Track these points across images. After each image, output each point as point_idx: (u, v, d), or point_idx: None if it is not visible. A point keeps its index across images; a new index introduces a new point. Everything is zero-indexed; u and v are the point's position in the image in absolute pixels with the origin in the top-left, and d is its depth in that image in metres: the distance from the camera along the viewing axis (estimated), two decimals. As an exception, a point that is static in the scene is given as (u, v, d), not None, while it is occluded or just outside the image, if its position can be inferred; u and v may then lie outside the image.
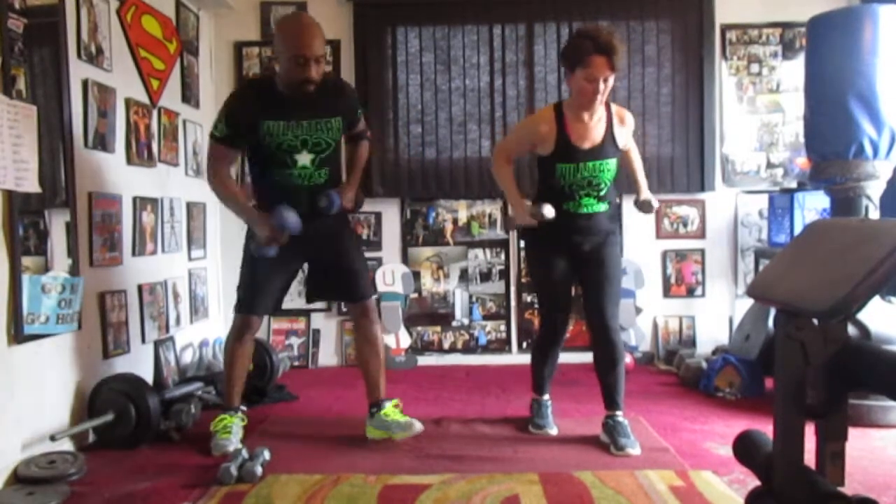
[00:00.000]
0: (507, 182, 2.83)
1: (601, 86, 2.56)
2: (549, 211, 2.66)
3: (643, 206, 2.87)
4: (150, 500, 2.26)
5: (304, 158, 2.66)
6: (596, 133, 2.71)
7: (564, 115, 2.70)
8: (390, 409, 2.83)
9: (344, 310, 4.27)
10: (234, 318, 2.85)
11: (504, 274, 4.41)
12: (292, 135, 2.62)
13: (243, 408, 2.93)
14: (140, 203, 3.35)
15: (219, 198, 2.74)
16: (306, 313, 4.34)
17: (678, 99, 4.30)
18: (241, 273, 2.84)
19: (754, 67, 4.34)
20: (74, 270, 2.75)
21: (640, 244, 4.33)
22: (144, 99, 3.43)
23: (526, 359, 3.08)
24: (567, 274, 2.83)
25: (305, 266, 2.96)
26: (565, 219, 2.72)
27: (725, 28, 4.33)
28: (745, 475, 2.26)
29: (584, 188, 2.72)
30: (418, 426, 2.76)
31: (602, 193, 2.76)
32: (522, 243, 3.03)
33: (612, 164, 2.75)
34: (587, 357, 4.28)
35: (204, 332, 4.04)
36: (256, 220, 2.63)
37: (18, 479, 2.36)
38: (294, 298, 3.03)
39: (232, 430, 2.75)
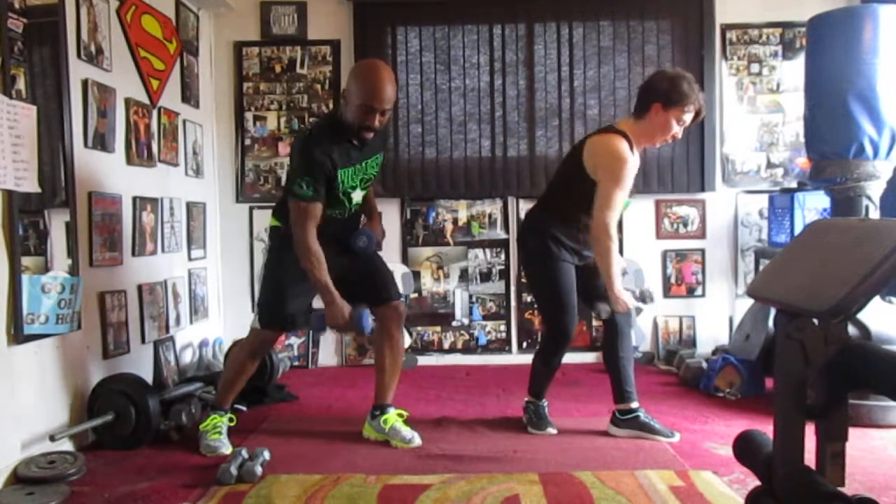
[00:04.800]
0: (614, 264, 2.66)
1: (680, 132, 2.75)
2: (652, 294, 3.00)
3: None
4: (150, 500, 2.26)
5: (358, 196, 2.74)
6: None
7: (633, 147, 2.76)
8: (392, 417, 2.82)
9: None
10: (253, 332, 2.80)
11: (504, 274, 4.41)
12: (356, 178, 2.68)
13: (241, 407, 2.92)
14: (140, 203, 3.35)
15: (305, 262, 2.57)
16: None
17: (678, 99, 4.30)
18: (263, 288, 2.81)
19: (754, 67, 4.34)
20: (74, 270, 2.75)
21: (640, 244, 4.33)
22: (144, 99, 3.43)
23: (526, 358, 3.08)
24: (575, 284, 2.87)
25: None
26: (587, 237, 2.80)
27: (725, 28, 4.33)
28: (745, 475, 2.27)
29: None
30: (418, 441, 2.76)
31: None
32: (526, 252, 2.97)
33: None
34: (587, 357, 4.34)
35: (204, 332, 4.04)
36: (335, 304, 2.59)
37: (18, 479, 2.36)
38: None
39: (222, 431, 2.76)
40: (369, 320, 2.65)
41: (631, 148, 2.72)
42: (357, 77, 2.56)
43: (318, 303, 2.71)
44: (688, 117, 2.71)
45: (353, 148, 2.64)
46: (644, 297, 2.84)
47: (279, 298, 2.72)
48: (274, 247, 2.82)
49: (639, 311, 4.27)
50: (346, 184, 2.65)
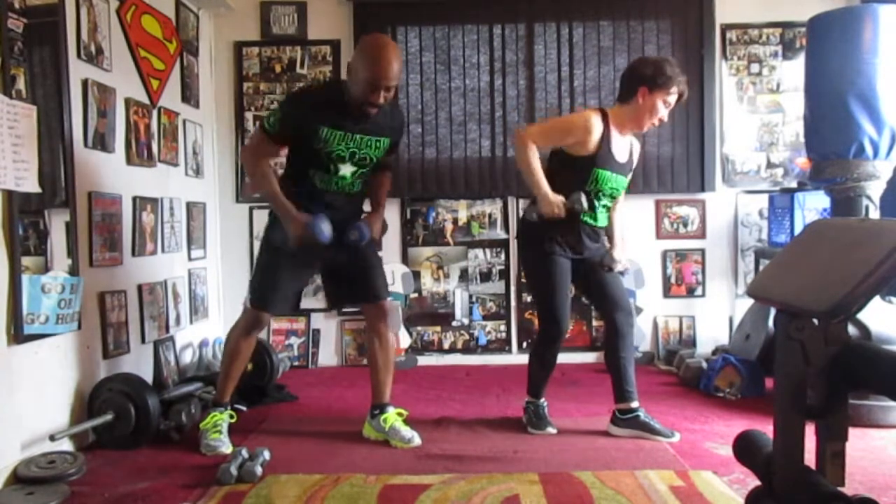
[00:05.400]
0: (535, 167, 2.74)
1: (666, 115, 2.79)
2: (585, 201, 2.73)
3: (607, 261, 2.90)
4: (150, 500, 2.26)
5: (346, 169, 2.69)
6: (624, 151, 2.87)
7: (609, 123, 2.79)
8: (392, 416, 2.83)
9: (345, 309, 4.27)
10: (246, 313, 2.83)
11: (504, 274, 4.41)
12: (345, 145, 2.64)
13: (241, 407, 2.92)
14: (140, 203, 3.35)
15: (253, 179, 2.69)
16: (306, 313, 4.34)
17: (678, 99, 4.30)
18: (256, 268, 2.85)
19: (754, 67, 4.34)
20: (74, 270, 2.75)
21: (640, 244, 4.33)
22: (144, 99, 3.43)
23: (526, 359, 3.07)
24: (569, 279, 2.87)
25: (318, 277, 2.98)
26: (582, 228, 2.83)
27: (726, 28, 4.33)
28: (745, 475, 2.27)
29: (605, 198, 2.85)
30: (417, 441, 2.76)
31: (610, 208, 2.93)
32: (521, 248, 3.00)
33: (626, 182, 2.92)
34: (587, 357, 4.34)
35: (204, 332, 4.04)
36: (291, 218, 2.60)
37: (18, 479, 2.35)
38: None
39: (222, 430, 2.76)
40: (326, 226, 2.56)
41: (606, 121, 2.78)
42: (364, 52, 2.56)
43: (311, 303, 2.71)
44: (672, 99, 2.77)
45: (350, 115, 2.62)
46: (573, 204, 2.74)
47: (269, 279, 2.75)
48: (269, 229, 2.82)
49: (639, 310, 4.28)
50: (332, 146, 2.61)
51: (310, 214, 2.59)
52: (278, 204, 2.63)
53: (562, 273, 2.83)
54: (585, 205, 2.73)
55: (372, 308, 2.87)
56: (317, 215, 2.58)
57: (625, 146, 2.87)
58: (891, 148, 3.02)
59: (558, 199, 2.71)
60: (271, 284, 2.76)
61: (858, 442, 2.65)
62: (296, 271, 2.79)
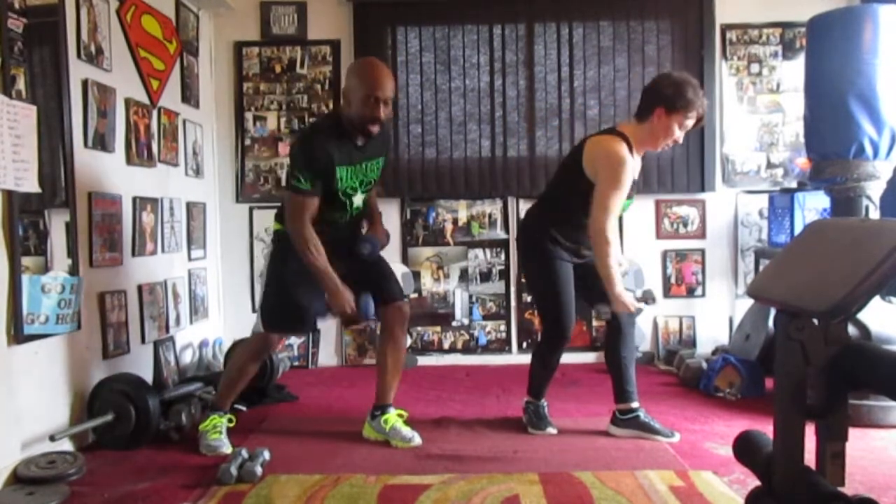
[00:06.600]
0: (613, 264, 2.65)
1: (682, 137, 2.73)
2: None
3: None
4: (150, 500, 2.26)
5: (358, 199, 2.74)
6: (637, 172, 2.82)
7: (632, 150, 2.73)
8: (393, 417, 2.82)
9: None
10: (257, 336, 2.83)
11: (504, 274, 4.41)
12: (355, 179, 2.69)
13: (241, 407, 2.92)
14: (140, 203, 3.35)
15: (303, 254, 2.59)
16: (306, 313, 4.34)
17: (678, 99, 4.29)
18: (269, 291, 2.79)
19: (754, 67, 4.34)
20: (74, 270, 2.75)
21: (640, 244, 4.33)
22: (144, 99, 3.43)
23: (526, 359, 3.08)
24: (573, 283, 2.86)
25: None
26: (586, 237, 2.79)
27: (725, 28, 4.33)
28: (745, 475, 2.27)
29: None
30: (418, 440, 2.76)
31: None
32: (524, 252, 2.98)
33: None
34: (587, 357, 4.34)
35: (204, 332, 4.04)
36: (339, 293, 2.60)
37: (18, 479, 2.35)
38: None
39: (222, 431, 2.77)
40: (371, 306, 2.67)
41: (631, 151, 2.71)
42: (357, 72, 2.62)
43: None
44: (690, 122, 2.70)
45: (354, 148, 2.66)
46: (646, 299, 2.85)
47: (286, 300, 2.73)
48: (278, 250, 2.80)
49: (639, 311, 4.27)
50: (345, 183, 2.65)
51: (352, 290, 2.63)
52: (327, 280, 2.61)
53: (566, 277, 2.83)
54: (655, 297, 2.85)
55: (390, 309, 2.85)
56: (363, 295, 2.65)
57: (638, 167, 2.82)
58: (891, 148, 3.02)
59: (630, 298, 2.69)
60: (288, 305, 2.72)
61: (858, 442, 2.65)
62: (309, 288, 2.69)
